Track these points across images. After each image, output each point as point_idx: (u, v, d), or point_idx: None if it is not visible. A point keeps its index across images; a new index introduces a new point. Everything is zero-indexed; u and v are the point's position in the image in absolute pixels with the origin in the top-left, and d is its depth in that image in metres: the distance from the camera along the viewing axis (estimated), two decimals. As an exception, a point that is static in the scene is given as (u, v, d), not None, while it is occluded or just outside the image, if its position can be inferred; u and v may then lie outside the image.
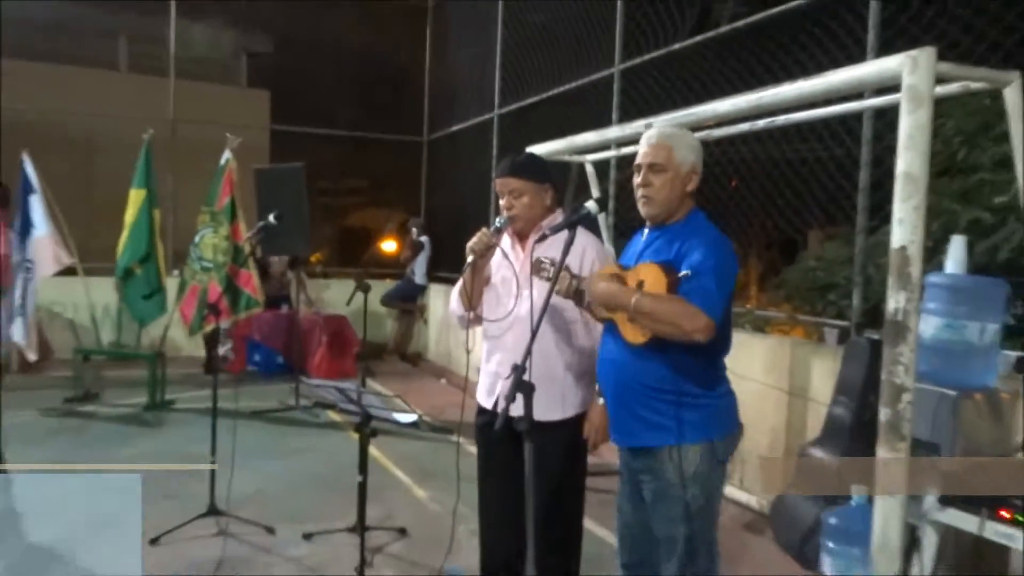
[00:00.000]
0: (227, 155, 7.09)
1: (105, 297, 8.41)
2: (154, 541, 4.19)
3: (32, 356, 7.12)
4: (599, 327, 2.92)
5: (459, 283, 3.28)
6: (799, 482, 4.40)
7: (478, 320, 3.29)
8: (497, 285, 3.25)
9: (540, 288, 2.81)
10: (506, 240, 3.24)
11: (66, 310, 8.90)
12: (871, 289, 4.69)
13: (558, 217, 3.27)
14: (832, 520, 3.70)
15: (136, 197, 7.32)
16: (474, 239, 3.07)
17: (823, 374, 4.68)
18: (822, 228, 5.85)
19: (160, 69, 10.76)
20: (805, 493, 4.30)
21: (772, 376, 5.00)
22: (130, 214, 7.31)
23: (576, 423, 3.19)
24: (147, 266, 7.19)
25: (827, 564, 3.67)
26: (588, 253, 3.15)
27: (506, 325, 3.17)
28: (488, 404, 3.30)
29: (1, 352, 4.44)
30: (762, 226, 5.78)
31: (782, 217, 5.48)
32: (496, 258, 3.22)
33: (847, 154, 4.84)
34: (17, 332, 6.30)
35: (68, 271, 7.78)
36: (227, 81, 16.02)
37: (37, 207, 6.87)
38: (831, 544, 3.65)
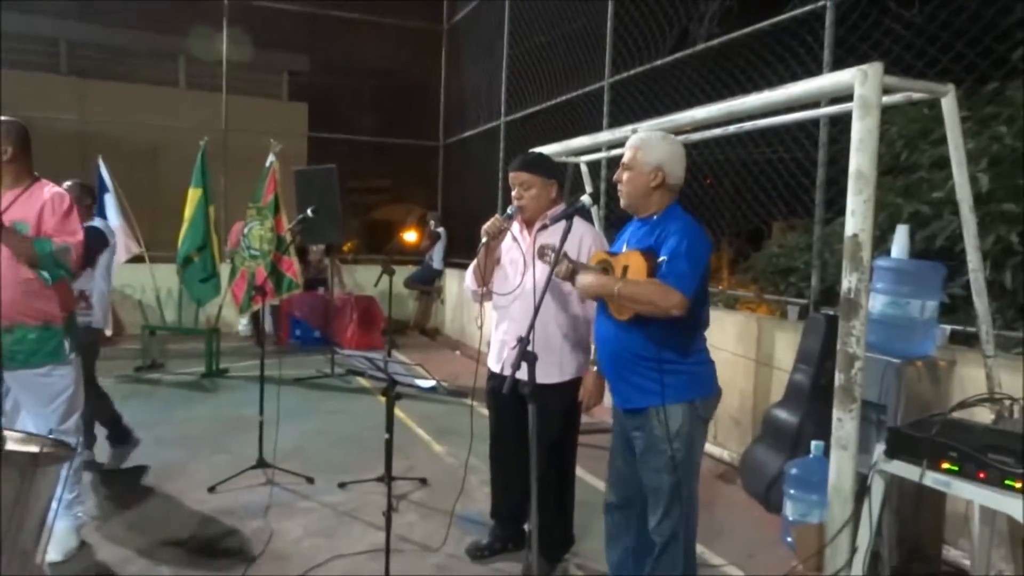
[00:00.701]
0: (271, 159, 7.05)
1: (168, 281, 8.42)
2: (211, 489, 4.20)
3: (108, 332, 7.11)
4: (592, 302, 2.93)
5: (473, 262, 3.30)
6: (766, 439, 4.39)
7: (489, 295, 3.31)
8: (506, 265, 3.26)
9: (543, 269, 2.83)
10: (515, 226, 3.25)
11: (135, 292, 8.90)
12: (827, 272, 4.67)
13: (560, 209, 3.27)
14: (793, 470, 3.69)
15: (194, 195, 7.30)
16: (488, 223, 3.10)
17: (785, 345, 4.66)
18: (784, 219, 5.82)
19: (214, 86, 10.70)
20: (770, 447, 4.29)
21: (741, 347, 4.98)
22: (188, 210, 7.30)
23: (572, 386, 3.20)
24: (203, 254, 7.18)
25: (789, 508, 3.67)
26: (586, 240, 3.15)
27: (512, 298, 3.20)
28: (497, 369, 3.31)
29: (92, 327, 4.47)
30: (732, 217, 5.75)
31: (750, 210, 5.45)
32: (506, 241, 3.25)
33: (805, 156, 4.80)
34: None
35: (137, 259, 7.79)
36: (270, 95, 15.93)
37: (111, 204, 6.86)
38: (792, 491, 3.65)
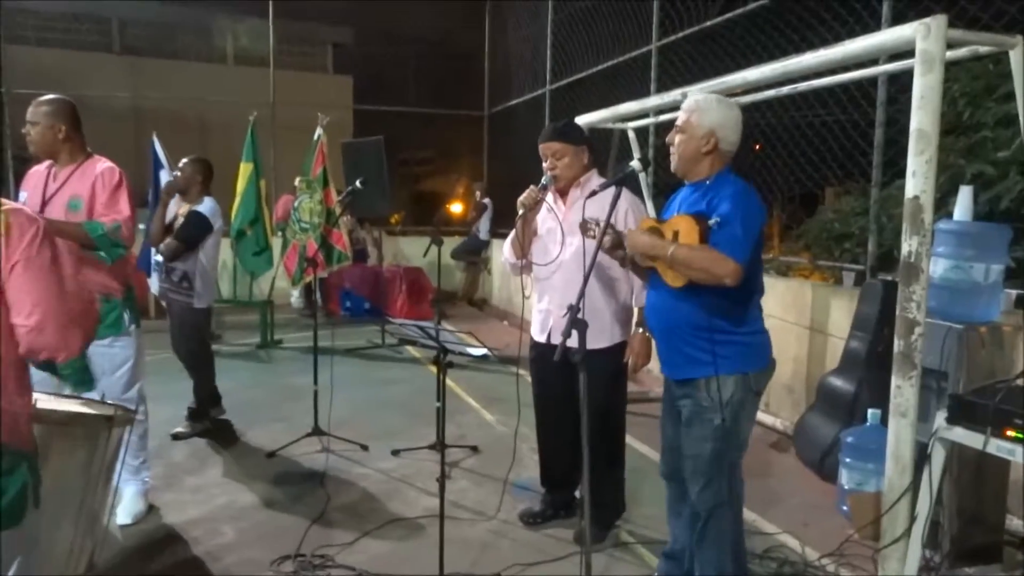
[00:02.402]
0: (319, 132, 7.11)
1: (222, 254, 8.52)
2: (270, 455, 4.33)
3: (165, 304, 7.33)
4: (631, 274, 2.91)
5: (511, 235, 3.31)
6: (820, 407, 4.32)
7: (529, 267, 3.31)
8: (544, 235, 3.26)
9: (582, 238, 2.81)
10: (549, 196, 3.23)
11: (191, 266, 9.12)
12: (884, 237, 4.54)
13: (593, 175, 3.26)
14: (849, 439, 3.64)
15: (245, 170, 7.41)
16: (524, 195, 3.10)
17: (840, 312, 4.56)
18: (839, 184, 5.66)
19: (261, 61, 10.81)
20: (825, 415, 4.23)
21: (794, 314, 4.90)
22: (240, 184, 7.41)
23: (619, 350, 3.22)
24: (256, 228, 7.29)
25: (844, 477, 3.62)
26: (629, 216, 3.12)
27: (554, 268, 3.20)
28: (540, 338, 3.33)
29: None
30: (785, 183, 5.61)
31: (803, 174, 5.31)
32: (542, 212, 3.23)
33: (862, 116, 4.65)
34: (154, 284, 6.47)
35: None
36: (316, 69, 16.04)
37: (166, 180, 7.00)
38: (848, 460, 3.60)
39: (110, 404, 2.39)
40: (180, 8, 12.87)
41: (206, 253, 4.68)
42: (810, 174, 5.28)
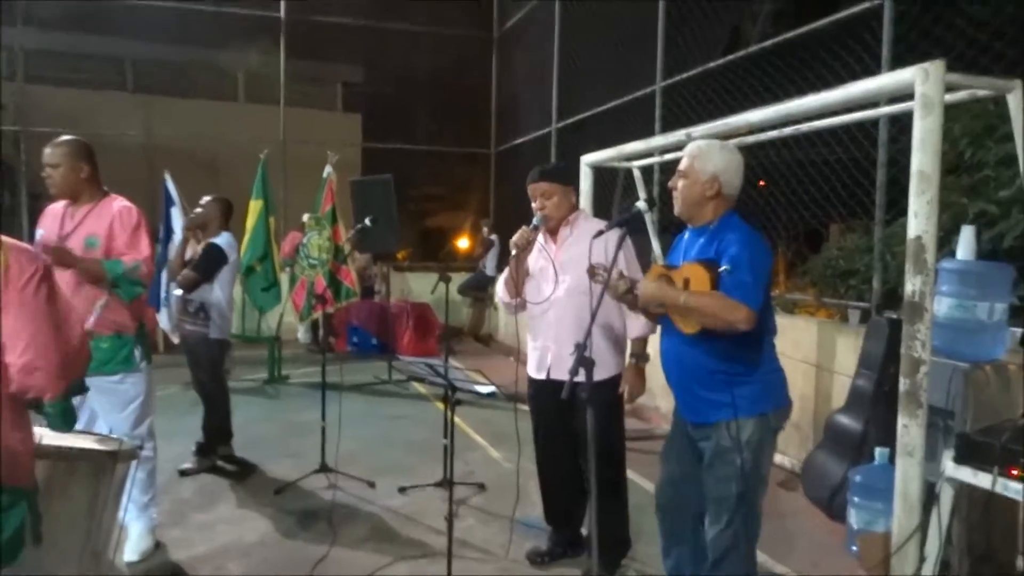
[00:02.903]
0: (328, 169, 7.22)
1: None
2: (278, 492, 4.34)
3: (176, 339, 7.38)
4: (623, 306, 2.98)
5: (504, 274, 3.39)
6: (828, 446, 4.31)
7: (523, 305, 3.36)
8: (536, 274, 3.32)
9: (578, 270, 2.93)
10: (540, 236, 3.30)
11: (200, 301, 9.18)
12: (888, 274, 4.57)
13: (581, 214, 3.40)
14: (857, 478, 3.62)
15: (255, 207, 7.51)
16: (516, 236, 3.17)
17: (846, 350, 4.57)
18: (843, 221, 5.71)
19: (271, 99, 11.00)
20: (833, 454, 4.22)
21: (800, 352, 4.90)
22: (250, 221, 7.51)
23: (615, 382, 3.26)
24: (265, 264, 7.38)
25: (853, 516, 3.60)
26: (621, 257, 3.17)
27: (547, 306, 3.27)
28: (538, 375, 3.36)
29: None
30: (788, 220, 5.66)
31: (807, 211, 5.36)
32: (534, 252, 3.30)
33: (864, 155, 4.71)
34: (163, 320, 6.52)
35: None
36: (325, 107, 16.28)
37: (177, 217, 7.09)
38: (857, 499, 3.58)
39: (115, 439, 2.41)
40: (192, 47, 13.13)
41: (222, 285, 4.78)
42: (814, 212, 5.33)
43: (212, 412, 4.87)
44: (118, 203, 3.32)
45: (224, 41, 11.67)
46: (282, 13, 10.49)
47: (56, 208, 3.39)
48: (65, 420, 1.87)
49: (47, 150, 3.26)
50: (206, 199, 4.94)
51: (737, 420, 2.45)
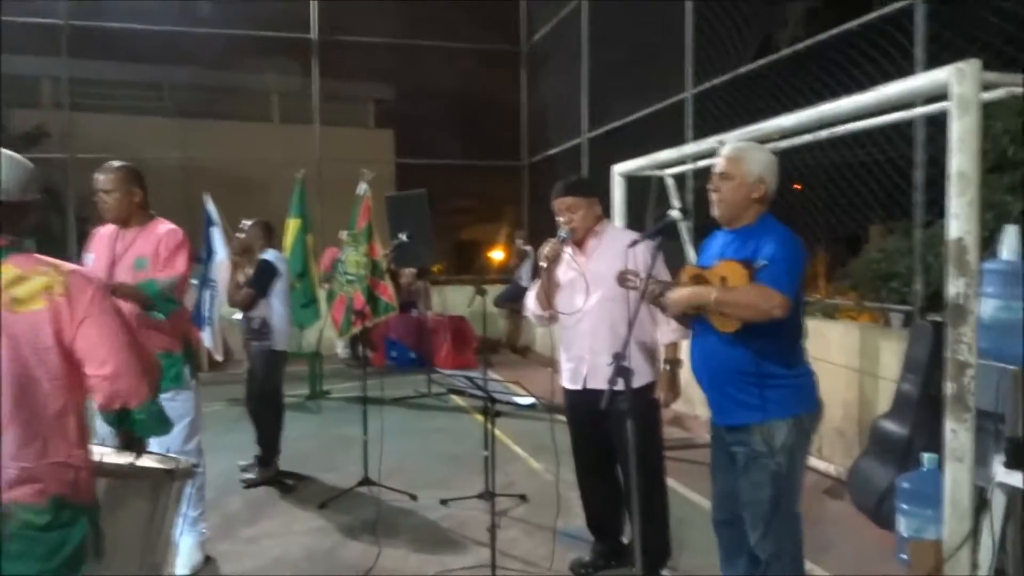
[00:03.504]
0: (363, 186, 7.32)
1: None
2: (322, 506, 4.40)
3: (219, 357, 7.53)
4: (658, 312, 3.00)
5: (534, 288, 3.40)
6: (874, 452, 4.25)
7: (555, 317, 3.39)
8: (566, 286, 3.34)
9: (608, 280, 2.94)
10: (568, 248, 3.32)
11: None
12: (931, 276, 4.49)
13: (607, 224, 3.44)
14: (905, 484, 3.57)
15: (293, 225, 7.64)
16: (546, 248, 3.21)
17: (890, 354, 4.51)
18: (883, 223, 5.62)
19: (305, 119, 11.21)
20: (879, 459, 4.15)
21: (843, 357, 4.84)
22: (288, 239, 7.63)
23: (649, 389, 3.28)
24: (304, 281, 7.49)
25: (902, 524, 3.54)
26: (644, 259, 3.18)
27: (579, 317, 3.28)
28: (573, 386, 3.37)
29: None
30: (827, 223, 5.60)
31: (844, 214, 5.30)
32: (563, 263, 3.31)
33: (900, 156, 4.65)
34: (207, 338, 6.66)
35: (242, 288, 8.20)
36: (358, 124, 16.52)
37: (218, 237, 7.25)
38: (905, 506, 3.52)
39: (172, 457, 2.48)
40: (228, 71, 13.46)
41: (278, 298, 5.00)
42: (852, 215, 5.27)
43: (268, 423, 5.02)
44: (164, 226, 3.43)
45: (258, 64, 11.95)
46: (314, 35, 10.69)
47: (105, 232, 3.50)
48: (160, 422, 1.95)
49: (100, 176, 3.36)
50: (246, 223, 5.15)
51: (769, 423, 2.45)
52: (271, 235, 5.24)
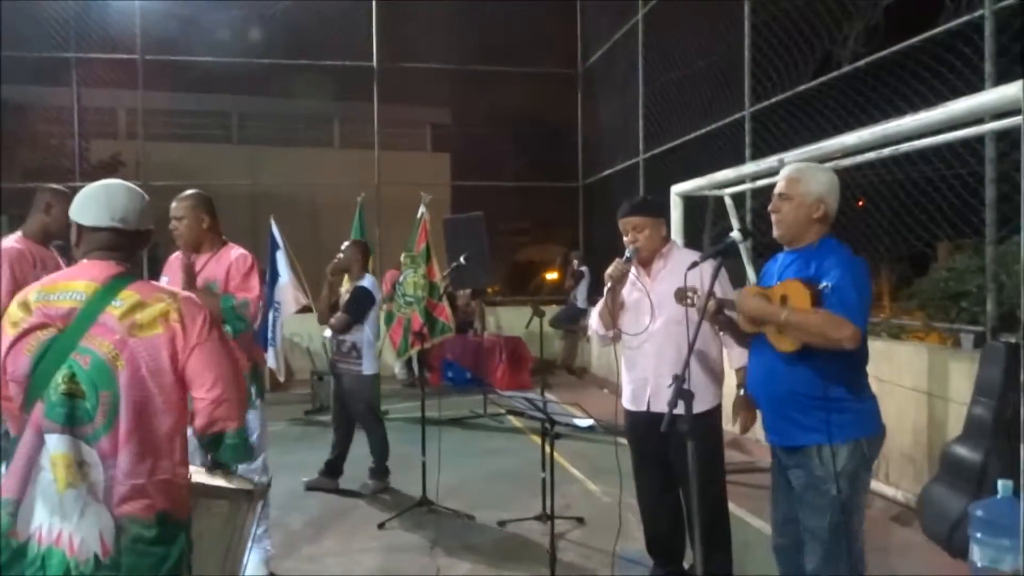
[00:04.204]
0: (422, 209, 7.44)
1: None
2: (381, 526, 4.45)
3: (281, 377, 7.72)
4: (727, 335, 2.94)
5: (598, 306, 3.41)
6: (945, 478, 4.09)
7: (618, 337, 3.38)
8: (631, 306, 3.32)
9: (673, 301, 2.89)
10: (633, 268, 3.31)
11: (303, 340, 9.59)
12: (1004, 295, 4.33)
13: (674, 245, 3.42)
14: (979, 512, 3.43)
15: (353, 248, 7.81)
16: (611, 268, 3.20)
17: (961, 376, 4.35)
18: (950, 240, 5.44)
19: (365, 143, 11.47)
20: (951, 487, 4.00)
21: (911, 379, 4.69)
22: (349, 262, 7.81)
23: (714, 413, 3.25)
24: (364, 302, 7.63)
25: (976, 554, 3.40)
26: (717, 286, 3.15)
27: (644, 337, 3.25)
28: (635, 408, 3.35)
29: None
30: (892, 241, 5.45)
31: (910, 233, 5.15)
32: (627, 284, 3.30)
33: (969, 172, 4.50)
34: (270, 358, 6.84)
35: (304, 309, 8.39)
36: (416, 148, 16.82)
37: (282, 260, 7.46)
38: (979, 535, 3.39)
39: (248, 479, 2.56)
40: (290, 99, 13.89)
41: (370, 324, 5.17)
42: (918, 233, 5.12)
43: (374, 438, 5.25)
44: (235, 251, 3.56)
45: (320, 92, 12.29)
46: (374, 62, 10.97)
47: (179, 256, 3.66)
48: (246, 449, 2.04)
49: (173, 204, 3.53)
50: (345, 244, 5.36)
51: (831, 446, 2.40)
52: (368, 256, 5.43)
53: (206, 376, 1.88)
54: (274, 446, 4.89)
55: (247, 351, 3.61)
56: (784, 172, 2.64)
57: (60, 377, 1.81)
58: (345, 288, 5.22)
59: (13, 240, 3.44)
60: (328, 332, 5.29)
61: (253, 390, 3.59)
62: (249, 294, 3.47)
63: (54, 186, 3.55)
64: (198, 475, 2.16)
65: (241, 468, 3.35)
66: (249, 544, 2.63)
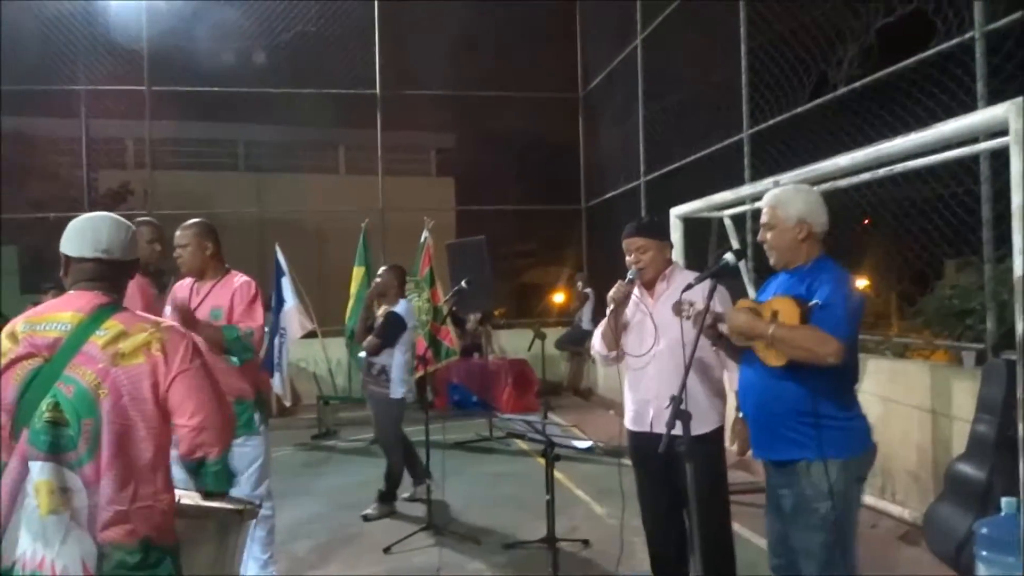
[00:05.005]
0: (425, 234, 7.53)
1: (338, 353, 9.07)
2: (387, 550, 4.45)
3: (287, 402, 7.77)
4: (722, 356, 2.96)
5: (600, 327, 3.43)
6: (951, 496, 4.08)
7: (621, 357, 3.39)
8: (634, 327, 3.34)
9: (676, 323, 2.89)
10: (636, 290, 3.33)
11: (309, 365, 9.62)
12: (1007, 313, 4.33)
13: (677, 267, 3.40)
14: (984, 530, 3.41)
15: (358, 273, 7.90)
16: (613, 290, 3.22)
17: (963, 394, 4.35)
18: (955, 258, 5.45)
19: (370, 169, 11.59)
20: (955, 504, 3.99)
21: (914, 397, 4.69)
22: (354, 287, 7.89)
23: (716, 436, 3.23)
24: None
25: (982, 572, 3.38)
26: (716, 302, 3.17)
27: (647, 359, 3.26)
28: (637, 428, 3.36)
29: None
30: (894, 260, 5.47)
31: (911, 253, 5.17)
32: (630, 305, 3.32)
33: (967, 191, 4.54)
34: (276, 384, 6.89)
35: (310, 335, 8.47)
36: (420, 173, 16.95)
37: (287, 286, 7.55)
38: (985, 553, 3.37)
39: (239, 499, 2.58)
40: (296, 127, 14.07)
41: (401, 349, 5.21)
42: (921, 251, 5.14)
43: (393, 463, 5.29)
44: (239, 278, 3.61)
45: (324, 119, 12.44)
46: (378, 89, 11.12)
47: (184, 284, 3.72)
48: (228, 477, 2.07)
49: (177, 232, 3.60)
50: (383, 269, 5.47)
51: (820, 462, 2.42)
52: (405, 279, 5.52)
53: (187, 404, 1.92)
54: (279, 472, 4.92)
55: (252, 378, 3.65)
56: (764, 201, 2.69)
57: (44, 405, 1.86)
58: (381, 312, 5.34)
59: None
60: (362, 353, 5.43)
61: (257, 416, 3.63)
62: (253, 323, 3.51)
63: (145, 218, 3.67)
64: (185, 497, 2.18)
65: (246, 494, 3.39)
66: (243, 565, 2.65)
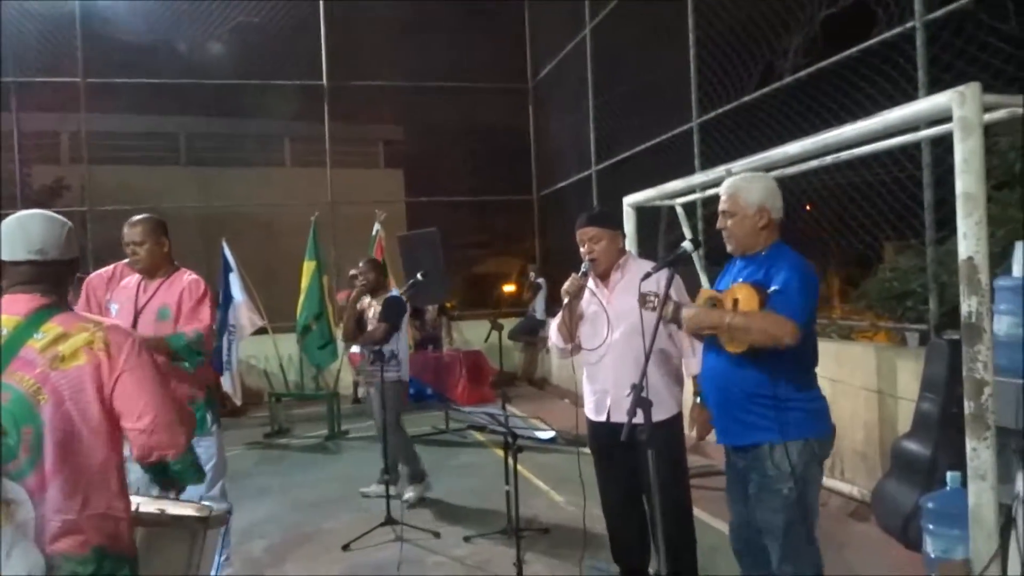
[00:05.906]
0: (377, 227, 7.44)
1: (289, 349, 8.91)
2: (346, 547, 4.40)
3: (238, 401, 7.59)
4: (681, 336, 3.02)
5: (556, 320, 3.43)
6: (897, 473, 4.22)
7: (577, 350, 3.40)
8: (589, 319, 3.35)
9: (633, 312, 2.90)
10: (591, 281, 3.34)
11: (260, 362, 9.45)
12: (947, 293, 4.48)
13: (630, 257, 3.41)
14: (930, 504, 3.53)
15: (308, 268, 7.77)
16: (567, 283, 3.22)
17: (908, 374, 4.49)
18: (897, 240, 5.61)
19: (317, 162, 11.38)
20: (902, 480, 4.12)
21: (860, 378, 4.83)
22: (304, 281, 7.76)
23: (675, 422, 3.26)
24: (320, 322, 7.59)
25: (930, 545, 3.50)
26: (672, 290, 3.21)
27: (604, 351, 3.27)
28: (598, 418, 3.37)
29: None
30: (838, 244, 5.61)
31: (854, 236, 5.31)
32: (585, 296, 3.33)
33: (908, 176, 4.67)
34: (226, 382, 6.72)
35: (260, 331, 8.28)
36: (369, 166, 16.72)
37: (235, 282, 7.36)
38: (931, 526, 3.49)
39: (205, 505, 2.50)
40: (239, 118, 13.73)
41: (400, 332, 5.28)
42: (863, 235, 5.28)
43: (402, 445, 5.28)
44: (188, 276, 3.50)
45: (270, 111, 12.17)
46: (324, 81, 10.92)
47: (129, 281, 3.58)
48: (196, 472, 1.99)
49: (127, 229, 3.44)
50: (361, 265, 5.49)
51: (782, 444, 2.47)
52: (385, 271, 5.63)
53: (135, 404, 1.83)
54: (233, 471, 4.80)
55: (204, 379, 3.55)
56: (722, 189, 2.72)
57: None
58: (369, 303, 5.38)
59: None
60: (356, 348, 5.42)
61: (209, 416, 3.54)
62: (200, 324, 3.40)
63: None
64: (145, 504, 2.10)
65: (199, 496, 3.30)
66: (213, 572, 2.58)
